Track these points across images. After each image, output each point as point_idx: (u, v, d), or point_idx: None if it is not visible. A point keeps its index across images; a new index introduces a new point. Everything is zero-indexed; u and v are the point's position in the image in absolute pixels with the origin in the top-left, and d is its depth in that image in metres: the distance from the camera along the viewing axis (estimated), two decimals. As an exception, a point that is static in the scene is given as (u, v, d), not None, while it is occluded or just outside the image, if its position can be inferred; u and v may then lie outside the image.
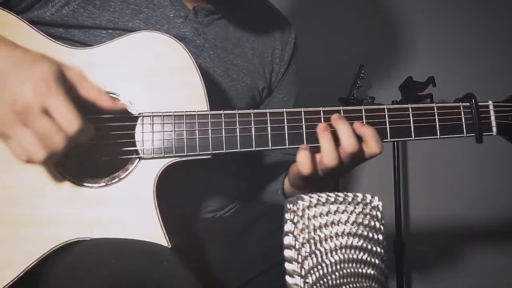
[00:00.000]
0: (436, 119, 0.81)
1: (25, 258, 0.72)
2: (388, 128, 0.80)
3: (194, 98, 0.78)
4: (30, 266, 0.72)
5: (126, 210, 0.75)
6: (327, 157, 0.76)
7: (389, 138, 0.80)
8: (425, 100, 1.97)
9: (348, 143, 0.76)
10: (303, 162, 0.77)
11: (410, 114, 0.80)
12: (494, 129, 0.82)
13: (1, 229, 0.73)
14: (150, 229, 0.75)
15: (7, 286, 0.72)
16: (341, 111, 0.79)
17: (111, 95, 0.77)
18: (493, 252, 2.35)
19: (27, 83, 0.63)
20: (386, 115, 0.80)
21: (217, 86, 0.94)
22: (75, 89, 0.68)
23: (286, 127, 0.78)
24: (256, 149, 0.78)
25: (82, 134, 0.66)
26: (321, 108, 0.79)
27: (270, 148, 0.78)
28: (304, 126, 0.79)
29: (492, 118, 0.82)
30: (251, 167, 1.10)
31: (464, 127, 0.81)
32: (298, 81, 1.13)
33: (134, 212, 0.75)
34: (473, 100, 0.81)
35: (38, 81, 0.63)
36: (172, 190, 0.82)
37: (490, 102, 0.83)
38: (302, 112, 0.79)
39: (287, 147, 0.79)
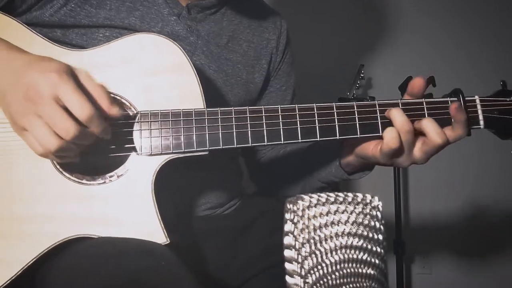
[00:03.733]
0: (426, 113, 0.83)
1: (23, 256, 0.72)
2: (379, 123, 0.82)
3: (191, 96, 0.79)
4: (29, 264, 0.72)
5: (124, 207, 0.76)
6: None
7: (381, 132, 0.82)
8: (425, 100, 1.97)
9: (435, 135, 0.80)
10: (390, 136, 0.79)
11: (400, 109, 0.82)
12: (482, 122, 0.84)
13: (0, 225, 0.73)
14: (148, 225, 0.75)
15: (5, 284, 0.72)
16: (334, 107, 0.81)
17: (113, 96, 0.78)
18: (494, 251, 2.35)
19: (39, 74, 0.66)
20: (377, 110, 0.82)
21: (212, 82, 0.95)
22: (82, 87, 0.70)
23: (281, 123, 0.80)
24: (252, 144, 0.79)
25: (93, 122, 0.68)
26: (314, 105, 0.81)
27: (265, 143, 0.80)
28: (298, 122, 0.80)
29: (479, 112, 0.84)
30: (258, 164, 1.10)
31: (453, 121, 0.83)
32: (294, 71, 1.15)
33: (133, 209, 0.76)
34: (460, 95, 0.83)
35: (49, 72, 0.66)
36: (170, 187, 0.82)
37: (476, 97, 0.85)
38: (296, 108, 0.81)
39: (282, 142, 0.80)
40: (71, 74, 0.68)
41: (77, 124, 0.66)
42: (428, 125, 0.80)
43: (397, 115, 0.79)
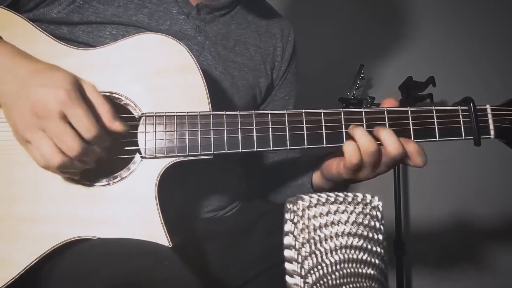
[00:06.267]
0: (435, 122, 0.82)
1: (26, 256, 0.73)
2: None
3: (197, 99, 0.79)
4: (31, 265, 0.72)
5: (127, 209, 0.76)
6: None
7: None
8: (425, 100, 1.97)
9: (392, 148, 0.78)
10: (350, 151, 0.77)
11: (410, 117, 0.81)
12: (492, 132, 0.83)
13: (2, 226, 0.74)
14: (151, 228, 0.75)
15: (7, 284, 0.72)
16: (342, 113, 0.80)
17: (114, 95, 0.78)
18: (493, 252, 2.35)
19: (47, 88, 0.66)
20: (386, 118, 0.81)
21: (218, 84, 0.95)
22: (87, 100, 0.71)
23: (287, 128, 0.79)
24: (258, 149, 0.79)
25: (98, 142, 0.69)
26: (321, 110, 0.80)
27: (271, 148, 0.79)
28: (305, 127, 0.80)
29: (490, 121, 0.83)
30: (252, 167, 1.10)
31: (462, 130, 0.82)
32: (297, 81, 1.15)
33: (136, 211, 0.76)
34: (471, 104, 0.82)
35: (58, 87, 0.66)
36: (173, 190, 0.82)
37: (488, 106, 0.83)
38: (303, 114, 0.80)
39: (288, 148, 0.79)
40: (78, 88, 0.69)
41: (82, 142, 0.67)
42: (386, 137, 0.78)
43: (361, 137, 0.78)
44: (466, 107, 0.82)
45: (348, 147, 0.78)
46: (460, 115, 0.82)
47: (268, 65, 1.05)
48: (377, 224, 0.55)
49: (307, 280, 0.52)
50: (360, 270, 0.54)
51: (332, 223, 0.54)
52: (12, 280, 0.72)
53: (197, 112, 0.78)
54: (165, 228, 0.75)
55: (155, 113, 0.78)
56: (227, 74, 0.96)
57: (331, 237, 0.54)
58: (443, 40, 2.36)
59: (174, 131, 0.77)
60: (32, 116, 0.66)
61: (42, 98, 0.66)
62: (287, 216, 0.54)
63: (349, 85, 2.06)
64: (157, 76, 0.79)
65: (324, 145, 0.80)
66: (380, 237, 0.55)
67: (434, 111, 0.82)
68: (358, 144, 0.78)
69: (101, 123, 0.71)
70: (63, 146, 0.66)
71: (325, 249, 0.53)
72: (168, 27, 0.90)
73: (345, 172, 0.82)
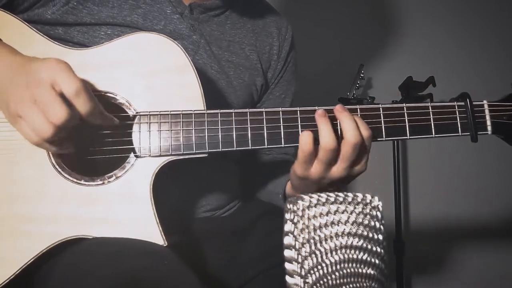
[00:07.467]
0: (431, 118, 0.81)
1: (22, 255, 0.73)
2: (383, 127, 0.81)
3: (191, 97, 0.79)
4: (28, 264, 0.73)
5: (122, 208, 0.76)
6: (326, 138, 0.75)
7: (384, 137, 0.81)
8: (425, 100, 1.97)
9: (351, 134, 0.76)
10: (304, 140, 0.76)
11: (405, 114, 0.81)
12: (489, 128, 0.83)
13: (2, 225, 0.74)
14: (146, 227, 0.75)
15: (4, 283, 0.72)
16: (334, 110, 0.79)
17: (109, 94, 0.78)
18: (493, 252, 2.35)
19: (41, 63, 0.68)
20: (381, 114, 0.80)
21: (214, 83, 0.95)
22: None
23: (282, 126, 0.79)
24: (252, 147, 0.78)
25: (81, 97, 0.68)
26: (316, 108, 0.79)
27: (266, 146, 0.79)
28: (299, 125, 0.79)
29: (487, 117, 0.83)
30: (250, 166, 1.10)
31: (459, 126, 0.82)
32: (295, 80, 1.14)
33: (131, 210, 0.76)
34: (467, 100, 0.81)
35: (50, 61, 0.68)
36: (169, 189, 0.82)
37: (484, 102, 0.83)
38: (298, 111, 0.79)
39: (282, 145, 0.79)
40: (71, 69, 0.69)
41: (69, 109, 0.67)
42: (346, 122, 0.76)
43: (326, 131, 0.76)
44: (462, 103, 0.82)
45: (303, 135, 0.76)
46: (457, 111, 0.82)
47: (264, 64, 1.05)
48: (377, 224, 0.55)
49: (307, 280, 0.52)
50: (360, 270, 0.54)
51: (332, 223, 0.54)
52: (11, 278, 0.72)
53: (191, 110, 0.78)
54: (160, 227, 0.75)
55: (150, 112, 0.78)
56: (222, 74, 0.96)
57: (331, 237, 0.54)
58: (443, 40, 2.36)
59: (169, 130, 0.77)
60: (25, 88, 0.67)
61: (35, 70, 0.67)
62: (287, 216, 0.54)
63: (349, 85, 2.06)
64: (152, 75, 0.79)
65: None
66: (380, 237, 0.55)
67: (430, 107, 0.82)
68: (320, 137, 0.76)
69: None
70: (51, 113, 0.66)
71: (325, 249, 0.53)
72: (163, 27, 0.90)
73: (296, 166, 0.80)
